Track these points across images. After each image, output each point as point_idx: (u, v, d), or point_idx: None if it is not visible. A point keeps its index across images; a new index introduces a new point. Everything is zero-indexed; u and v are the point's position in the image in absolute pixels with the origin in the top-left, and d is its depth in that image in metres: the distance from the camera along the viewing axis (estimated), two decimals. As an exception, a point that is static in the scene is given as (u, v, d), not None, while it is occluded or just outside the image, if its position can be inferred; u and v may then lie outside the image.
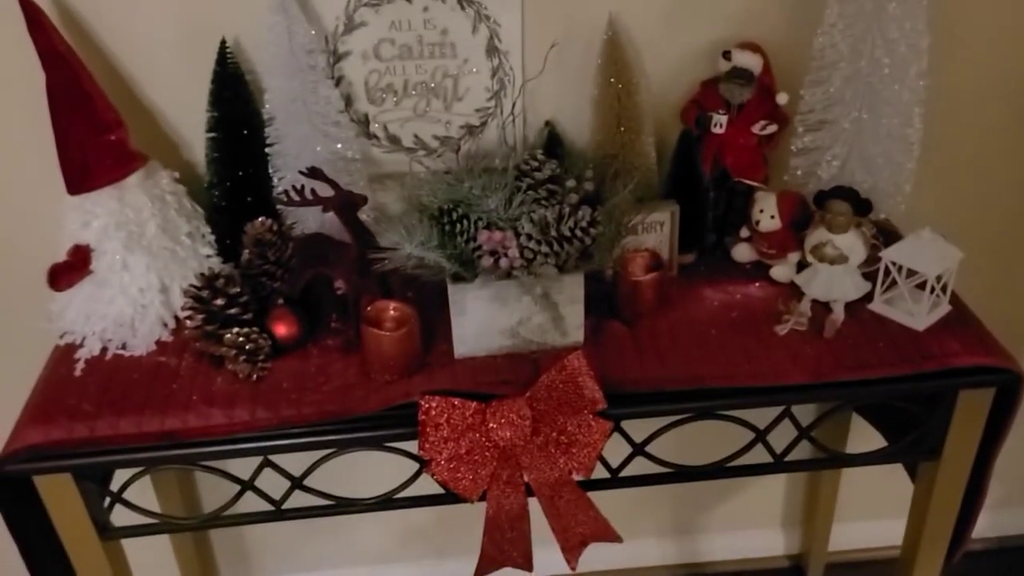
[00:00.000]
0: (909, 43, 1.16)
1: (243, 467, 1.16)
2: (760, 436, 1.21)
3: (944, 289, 1.20)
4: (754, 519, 1.95)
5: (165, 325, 1.24)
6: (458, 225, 1.13)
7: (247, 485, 1.17)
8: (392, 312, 1.17)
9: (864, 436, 1.49)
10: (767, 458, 1.24)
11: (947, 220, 1.27)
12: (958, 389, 1.17)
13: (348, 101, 1.32)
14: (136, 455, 1.10)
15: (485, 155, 1.31)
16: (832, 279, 1.23)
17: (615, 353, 1.18)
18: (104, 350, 1.22)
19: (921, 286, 1.19)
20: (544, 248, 1.11)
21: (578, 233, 1.12)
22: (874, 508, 1.87)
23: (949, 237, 1.20)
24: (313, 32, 1.23)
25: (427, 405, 1.08)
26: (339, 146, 1.28)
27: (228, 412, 1.11)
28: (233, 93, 1.25)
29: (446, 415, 1.09)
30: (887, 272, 1.21)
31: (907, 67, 1.18)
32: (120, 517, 1.20)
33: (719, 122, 1.29)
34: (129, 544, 1.26)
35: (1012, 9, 1.37)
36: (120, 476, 1.19)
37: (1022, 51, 1.41)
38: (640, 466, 1.22)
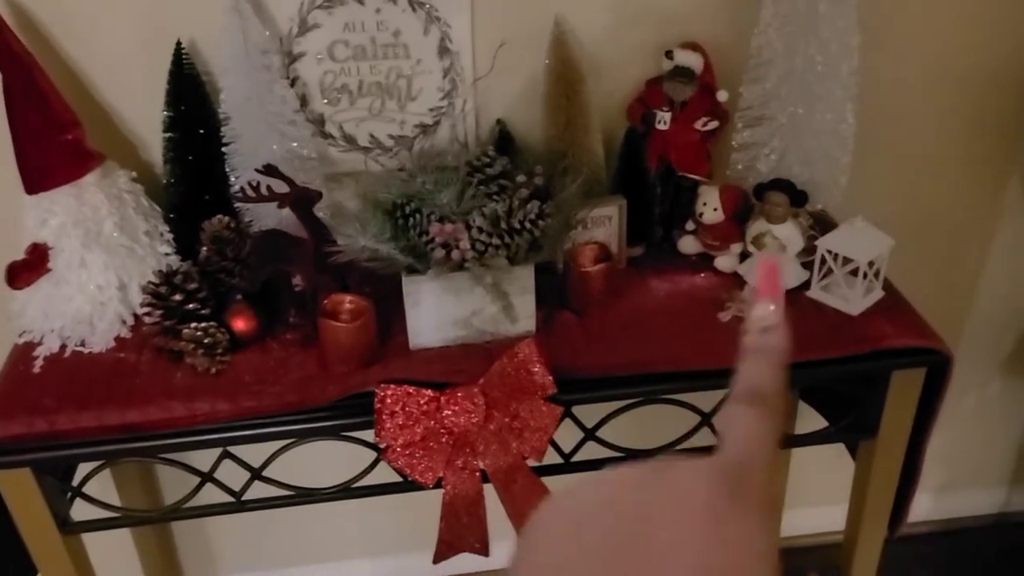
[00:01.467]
0: (840, 41, 1.22)
1: (204, 460, 1.19)
2: (706, 419, 1.26)
3: (877, 275, 1.26)
4: (709, 507, 2.00)
5: (124, 322, 1.26)
6: (411, 219, 1.17)
7: (207, 477, 1.19)
8: (348, 305, 1.20)
9: (810, 423, 1.54)
10: (714, 440, 1.29)
11: (879, 209, 1.33)
12: (891, 370, 1.23)
13: (304, 101, 1.35)
14: (96, 448, 1.12)
15: (438, 153, 1.35)
16: (771, 268, 1.29)
17: (566, 341, 1.22)
18: (63, 347, 1.23)
19: (855, 273, 1.24)
20: (495, 240, 1.15)
21: (527, 226, 1.16)
22: (822, 494, 1.93)
23: (880, 225, 1.26)
24: (267, 33, 1.26)
25: (383, 394, 1.12)
26: (295, 145, 1.31)
27: (188, 404, 1.13)
28: (189, 93, 1.28)
29: (401, 403, 1.13)
30: (823, 260, 1.26)
31: (839, 64, 1.24)
32: (81, 512, 1.22)
33: (663, 119, 1.34)
34: (91, 539, 1.27)
35: (939, 8, 1.44)
36: (81, 471, 1.21)
37: (946, 49, 1.49)
38: (592, 451, 1.26)
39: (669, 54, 1.33)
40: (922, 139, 1.56)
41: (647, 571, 0.31)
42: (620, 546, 0.31)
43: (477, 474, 1.18)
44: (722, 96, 1.33)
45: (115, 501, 1.44)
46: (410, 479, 1.17)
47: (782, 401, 0.37)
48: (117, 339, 1.24)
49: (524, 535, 0.34)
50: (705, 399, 1.23)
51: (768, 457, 0.36)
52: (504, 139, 1.38)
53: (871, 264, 1.23)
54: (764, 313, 0.38)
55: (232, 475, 1.19)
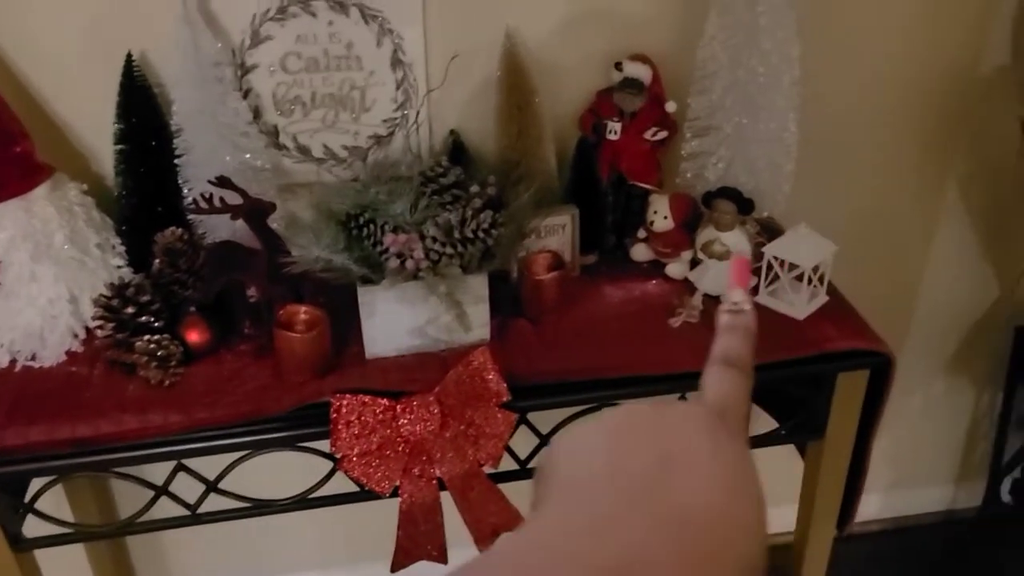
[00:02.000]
0: (781, 53, 1.26)
1: (158, 473, 1.18)
2: (659, 423, 1.28)
3: (821, 280, 1.29)
4: (666, 511, 2.03)
5: (75, 335, 1.25)
6: (365, 229, 1.18)
7: (161, 490, 1.19)
8: (303, 315, 1.20)
9: (762, 424, 1.57)
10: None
11: (823, 215, 1.37)
12: (836, 372, 1.27)
13: (257, 113, 1.35)
14: (48, 463, 1.11)
15: (392, 163, 1.36)
16: (721, 274, 1.31)
17: (520, 349, 1.24)
18: (13, 362, 1.22)
19: (800, 278, 1.28)
20: (448, 250, 1.17)
21: (481, 235, 1.17)
22: (775, 495, 1.97)
23: (825, 231, 1.30)
24: (219, 45, 1.26)
25: (338, 403, 1.12)
26: (248, 156, 1.31)
27: (141, 417, 1.13)
28: (141, 105, 1.28)
29: (357, 412, 1.13)
30: (770, 266, 1.30)
31: (780, 75, 1.28)
32: (33, 528, 1.20)
33: (614, 129, 1.37)
34: (44, 556, 1.25)
35: (876, 20, 1.49)
36: (34, 486, 1.19)
37: (885, 59, 1.54)
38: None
39: (619, 66, 1.36)
40: (863, 146, 1.61)
41: (673, 484, 0.36)
42: (647, 463, 0.36)
43: (434, 482, 1.19)
44: (670, 107, 1.36)
45: (68, 516, 1.43)
46: (367, 488, 1.17)
47: (752, 365, 0.45)
48: (68, 353, 1.23)
49: (552, 452, 0.39)
50: (657, 403, 1.25)
51: (743, 408, 0.43)
52: (457, 149, 1.40)
53: (815, 269, 1.27)
54: (737, 298, 0.46)
55: (187, 488, 1.19)
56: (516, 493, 1.25)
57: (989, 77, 1.60)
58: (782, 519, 1.94)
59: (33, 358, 1.22)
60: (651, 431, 0.37)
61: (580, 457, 0.38)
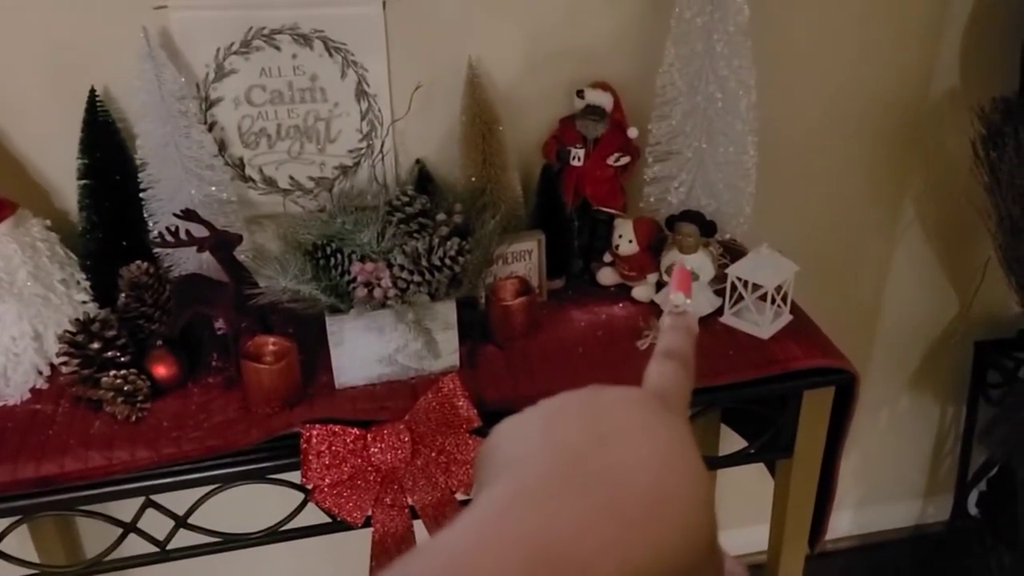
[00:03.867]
0: (738, 79, 1.29)
1: (126, 510, 1.17)
2: (629, 445, 1.29)
3: (785, 299, 1.32)
4: (640, 534, 2.03)
5: (40, 372, 1.23)
6: (332, 259, 1.18)
7: (129, 527, 1.17)
8: (271, 347, 1.20)
9: (733, 444, 1.59)
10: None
11: (784, 236, 1.40)
12: (802, 390, 1.28)
13: (222, 145, 1.36)
14: (11, 504, 1.09)
15: (358, 193, 1.37)
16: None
17: (489, 374, 1.24)
18: (-25, 401, 1.20)
19: (764, 298, 1.30)
20: (416, 278, 1.17)
21: (448, 262, 1.18)
22: (748, 514, 1.98)
23: (786, 251, 1.33)
24: (183, 79, 1.26)
25: (308, 433, 1.12)
26: (214, 189, 1.31)
27: (106, 454, 1.11)
28: (104, 140, 1.27)
29: (327, 442, 1.13)
30: (734, 287, 1.32)
31: (738, 101, 1.30)
32: (-3, 570, 1.18)
33: (577, 155, 1.39)
34: (7, 599, 1.23)
35: (830, 45, 1.53)
36: (-4, 527, 1.17)
37: (839, 83, 1.58)
38: (519, 482, 1.27)
39: (580, 93, 1.38)
40: (820, 168, 1.65)
41: (608, 458, 0.36)
42: (582, 438, 0.37)
43: (406, 510, 1.19)
44: (632, 133, 1.39)
45: (33, 557, 1.40)
46: (339, 519, 1.17)
47: (693, 359, 0.47)
48: (33, 390, 1.22)
49: (491, 437, 0.40)
50: (627, 425, 1.26)
51: (683, 392, 0.45)
52: (423, 178, 1.41)
53: (779, 289, 1.29)
54: (678, 301, 0.49)
55: (156, 524, 1.17)
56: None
57: (939, 99, 1.65)
58: (754, 538, 1.97)
59: (-4, 396, 1.20)
60: (587, 411, 0.38)
61: (517, 439, 0.38)
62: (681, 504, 0.35)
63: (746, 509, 1.96)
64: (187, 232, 1.21)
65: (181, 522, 1.19)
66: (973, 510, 2.05)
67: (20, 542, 1.33)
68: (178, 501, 1.17)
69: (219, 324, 1.27)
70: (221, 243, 1.21)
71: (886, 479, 2.10)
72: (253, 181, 1.39)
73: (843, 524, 2.10)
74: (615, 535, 0.32)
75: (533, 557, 0.30)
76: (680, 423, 0.40)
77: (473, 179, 1.38)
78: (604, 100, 1.37)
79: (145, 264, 1.25)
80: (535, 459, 0.34)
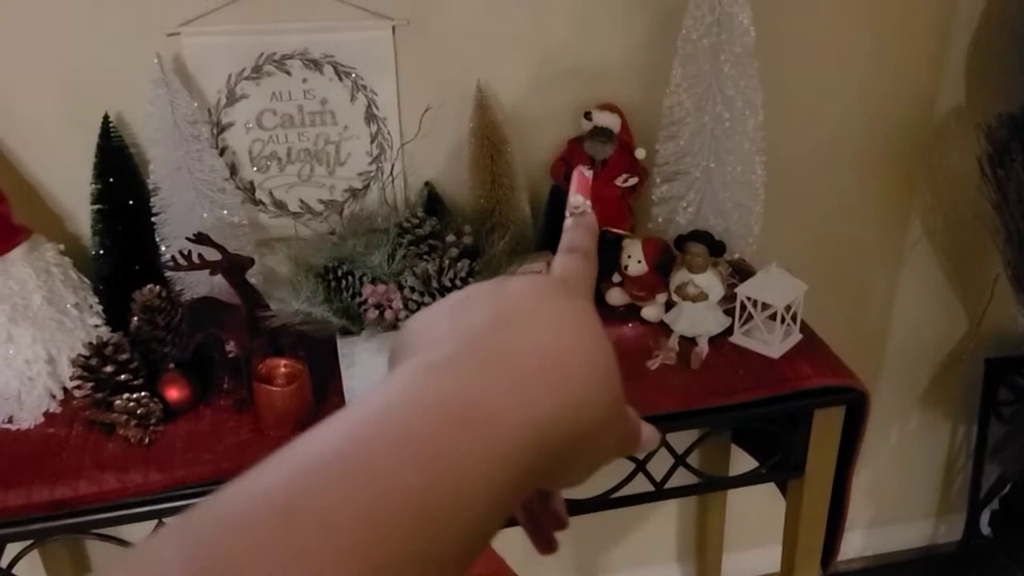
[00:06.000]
0: (745, 99, 1.30)
1: (137, 533, 1.17)
2: (640, 466, 1.29)
3: (794, 318, 1.32)
4: (650, 555, 2.02)
5: (53, 396, 1.24)
6: (343, 281, 1.19)
7: (142, 550, 1.17)
8: (283, 369, 1.21)
9: (743, 465, 1.59)
10: (649, 487, 1.32)
11: (792, 254, 1.41)
12: (812, 409, 1.28)
13: (233, 169, 1.37)
14: (26, 527, 1.09)
15: (368, 216, 1.38)
16: (696, 316, 1.34)
17: (500, 395, 1.24)
18: (-11, 425, 1.21)
19: (774, 317, 1.30)
20: (427, 299, 1.18)
21: (458, 283, 1.19)
22: (760, 535, 1.98)
23: (794, 270, 1.33)
24: (195, 105, 1.28)
25: (320, 455, 1.12)
26: (225, 212, 1.32)
27: (120, 477, 1.12)
28: (118, 165, 1.29)
29: (339, 464, 1.13)
30: (743, 306, 1.32)
31: (745, 121, 1.31)
32: (9, 595, 1.18)
33: (585, 176, 1.40)
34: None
35: (839, 64, 1.54)
36: (10, 551, 1.17)
37: (847, 102, 1.59)
38: (531, 503, 1.27)
39: (588, 115, 1.39)
40: (828, 186, 1.65)
41: (510, 331, 0.37)
42: (487, 321, 0.38)
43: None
44: (640, 154, 1.39)
45: (44, 581, 1.40)
46: (350, 541, 1.17)
47: (594, 253, 0.49)
48: (46, 414, 1.22)
49: (402, 329, 0.42)
50: (638, 446, 1.26)
51: (586, 278, 0.46)
52: (432, 200, 1.42)
53: (788, 308, 1.29)
54: (577, 202, 0.51)
55: (168, 547, 1.17)
56: (503, 546, 1.24)
57: (945, 116, 1.65)
58: (766, 560, 1.96)
59: (10, 420, 1.21)
60: (490, 297, 0.40)
61: (427, 326, 0.41)
62: (585, 365, 0.38)
63: (758, 530, 1.96)
64: (200, 255, 1.22)
65: (193, 545, 1.18)
66: (986, 529, 2.03)
67: (31, 567, 1.33)
68: (190, 524, 1.17)
69: (230, 346, 1.28)
70: (233, 266, 1.22)
71: (897, 499, 2.09)
72: (263, 204, 1.41)
73: (855, 545, 2.09)
74: (523, 397, 0.35)
75: (447, 415, 0.33)
76: (584, 302, 0.41)
77: (482, 200, 1.39)
78: (612, 122, 1.38)
79: (157, 287, 1.26)
80: (443, 342, 0.37)
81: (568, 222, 0.51)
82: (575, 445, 0.37)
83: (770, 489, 1.48)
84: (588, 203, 0.54)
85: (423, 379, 0.35)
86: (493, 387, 0.35)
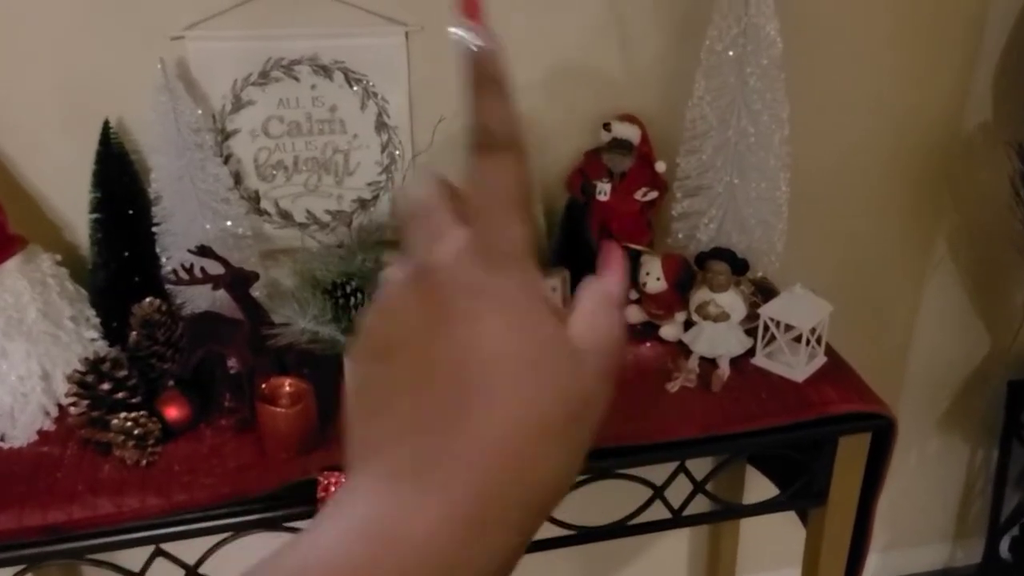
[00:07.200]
0: (771, 113, 1.25)
1: (134, 559, 1.12)
2: (658, 492, 1.24)
3: (819, 341, 1.27)
4: (661, 578, 1.97)
5: (47, 413, 1.19)
6: (352, 298, 1.14)
7: (138, 577, 1.12)
8: (287, 388, 1.16)
9: (759, 488, 1.54)
10: (666, 514, 1.27)
11: (815, 274, 1.36)
12: (837, 435, 1.23)
13: (238, 178, 1.32)
14: (18, 552, 1.05)
15: (377, 227, 1.33)
16: (716, 336, 1.29)
17: (513, 418, 1.19)
18: (-20, 443, 1.16)
19: (798, 339, 1.25)
20: (438, 317, 1.13)
21: (471, 301, 1.14)
22: (773, 559, 1.92)
23: (817, 289, 1.28)
24: (200, 111, 1.23)
25: (327, 481, 1.07)
26: (229, 223, 1.27)
27: (116, 500, 1.07)
28: (118, 173, 1.24)
29: (346, 490, 1.08)
30: (766, 327, 1.27)
31: (771, 135, 1.27)
32: (-2, 621, 1.13)
33: (603, 190, 1.35)
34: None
35: (865, 79, 1.49)
36: (2, 575, 1.13)
37: (873, 118, 1.54)
38: (544, 530, 1.22)
39: (607, 126, 1.34)
40: (852, 204, 1.61)
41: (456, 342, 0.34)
42: (426, 325, 0.35)
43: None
44: (660, 167, 1.35)
45: (36, 605, 1.35)
46: (355, 569, 1.12)
47: (519, 133, 0.35)
48: (40, 432, 1.17)
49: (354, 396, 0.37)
50: (657, 472, 1.21)
51: (526, 200, 0.35)
52: (444, 213, 1.37)
53: (813, 330, 1.24)
54: (466, 33, 0.33)
55: (166, 574, 1.12)
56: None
57: (972, 133, 1.61)
58: (783, 585, 1.91)
59: (2, 439, 1.16)
60: (426, 296, 0.36)
61: (373, 416, 0.37)
62: (546, 363, 0.34)
63: (772, 555, 1.91)
64: (202, 269, 1.17)
65: (191, 572, 1.14)
66: (1006, 554, 1.98)
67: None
68: (189, 550, 1.12)
69: (232, 363, 1.23)
70: (237, 280, 1.18)
71: (915, 522, 2.04)
72: (268, 215, 1.36)
73: (870, 568, 2.03)
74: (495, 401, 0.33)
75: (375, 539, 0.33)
76: (517, 275, 0.34)
77: (495, 214, 1.34)
78: (631, 133, 1.34)
79: (157, 301, 1.21)
80: (393, 445, 0.35)
81: (469, 73, 0.32)
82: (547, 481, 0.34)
83: (786, 513, 1.43)
84: (482, 31, 0.35)
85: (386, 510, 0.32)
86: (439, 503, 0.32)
